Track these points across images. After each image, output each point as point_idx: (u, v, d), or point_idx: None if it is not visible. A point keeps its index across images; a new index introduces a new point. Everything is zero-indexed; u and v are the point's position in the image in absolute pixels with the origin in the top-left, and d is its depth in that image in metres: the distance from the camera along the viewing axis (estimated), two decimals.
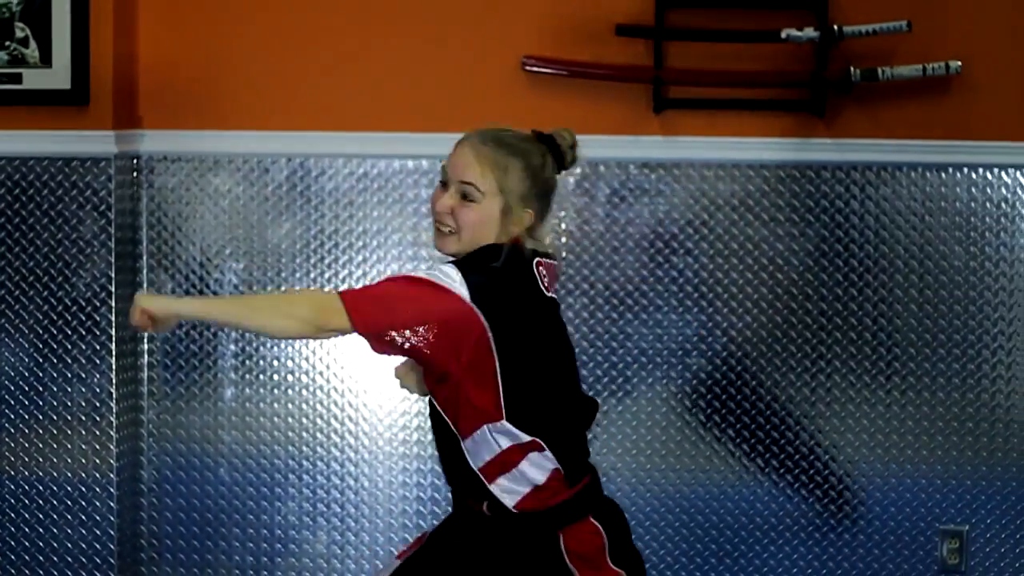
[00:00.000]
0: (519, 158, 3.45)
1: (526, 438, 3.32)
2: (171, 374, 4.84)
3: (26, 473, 4.78)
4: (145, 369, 4.84)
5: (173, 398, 4.85)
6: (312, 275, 4.80)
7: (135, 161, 4.75)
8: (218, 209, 4.81)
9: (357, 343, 3.19)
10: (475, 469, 3.34)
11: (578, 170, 4.70)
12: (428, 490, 4.85)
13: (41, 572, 4.80)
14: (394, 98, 4.80)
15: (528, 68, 4.73)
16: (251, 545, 4.88)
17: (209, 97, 4.80)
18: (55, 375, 4.75)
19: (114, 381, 4.72)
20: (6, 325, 4.74)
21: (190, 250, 4.82)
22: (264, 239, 4.82)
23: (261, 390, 4.80)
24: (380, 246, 4.81)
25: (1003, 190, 4.76)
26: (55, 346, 4.74)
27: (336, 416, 4.84)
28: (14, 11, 4.62)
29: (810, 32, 4.70)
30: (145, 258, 4.80)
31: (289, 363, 4.82)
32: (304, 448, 4.85)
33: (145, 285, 4.79)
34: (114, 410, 4.73)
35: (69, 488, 4.76)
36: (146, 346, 4.82)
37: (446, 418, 3.34)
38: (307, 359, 4.84)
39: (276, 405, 4.85)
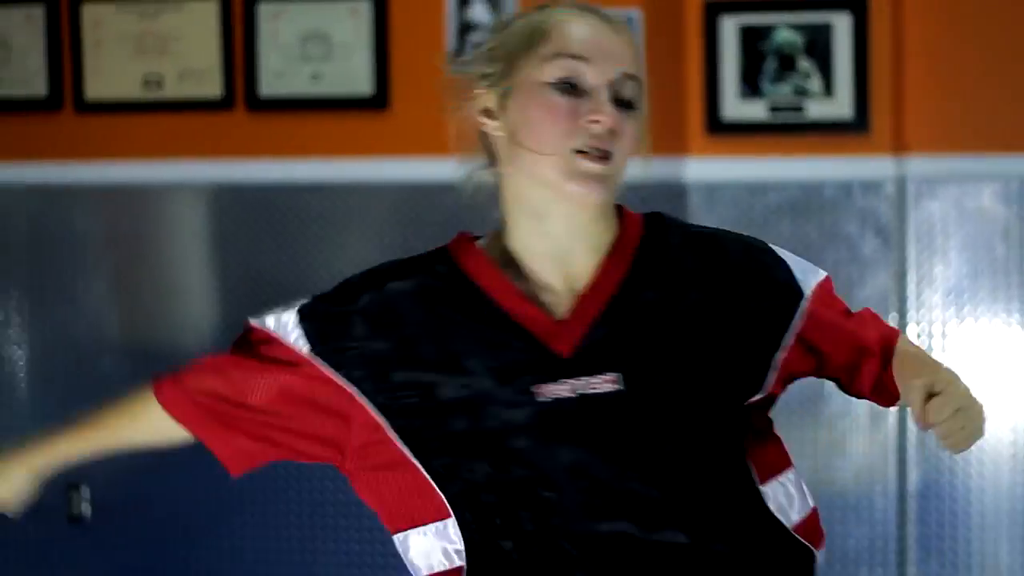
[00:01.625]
0: None
1: None
2: None
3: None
4: None
5: None
6: None
7: (904, 184, 5.03)
8: (980, 231, 5.03)
9: None
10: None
11: None
12: None
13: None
14: None
15: None
16: None
17: (967, 121, 5.03)
18: None
19: None
20: None
21: (948, 271, 5.04)
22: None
23: None
24: None
25: None
26: None
27: None
28: (798, 47, 4.99)
29: None
30: (912, 275, 5.04)
31: None
32: None
33: (911, 299, 5.02)
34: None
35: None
36: None
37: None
38: None
39: None
